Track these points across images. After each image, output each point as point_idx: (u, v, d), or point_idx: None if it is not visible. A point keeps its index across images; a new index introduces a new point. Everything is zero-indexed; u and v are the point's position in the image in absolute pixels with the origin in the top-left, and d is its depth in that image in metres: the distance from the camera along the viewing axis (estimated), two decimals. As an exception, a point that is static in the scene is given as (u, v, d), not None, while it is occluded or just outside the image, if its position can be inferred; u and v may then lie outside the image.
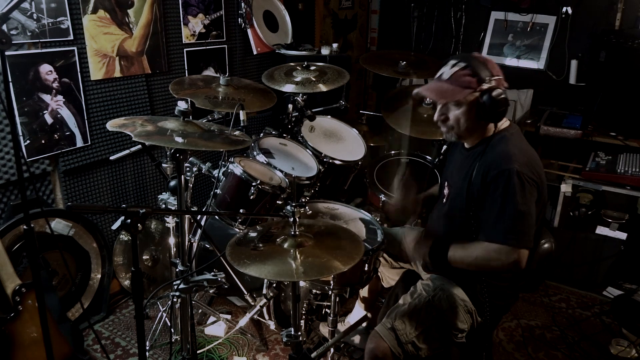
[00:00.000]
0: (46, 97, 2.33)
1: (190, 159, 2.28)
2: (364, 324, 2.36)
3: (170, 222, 2.38)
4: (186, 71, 2.99)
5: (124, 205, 1.34)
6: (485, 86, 1.65)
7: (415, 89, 1.81)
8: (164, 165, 2.35)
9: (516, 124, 3.46)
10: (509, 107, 1.74)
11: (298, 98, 2.76)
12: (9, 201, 2.30)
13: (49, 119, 2.36)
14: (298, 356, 1.72)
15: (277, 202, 2.34)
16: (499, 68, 1.72)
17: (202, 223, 2.34)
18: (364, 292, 2.40)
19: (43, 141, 2.35)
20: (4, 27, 1.30)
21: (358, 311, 2.44)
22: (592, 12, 3.50)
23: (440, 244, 1.79)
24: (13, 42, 1.85)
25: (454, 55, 1.76)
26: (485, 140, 1.76)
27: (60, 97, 2.38)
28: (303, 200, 2.44)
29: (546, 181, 1.74)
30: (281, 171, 2.43)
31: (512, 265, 1.65)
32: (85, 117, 2.51)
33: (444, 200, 1.93)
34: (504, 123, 1.79)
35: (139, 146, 2.36)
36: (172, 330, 2.29)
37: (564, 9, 3.58)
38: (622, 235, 2.88)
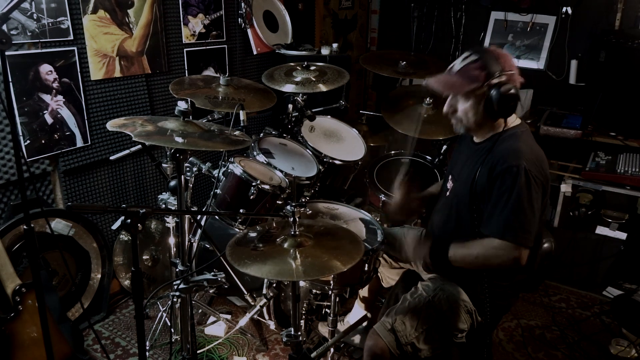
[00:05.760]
0: (46, 97, 2.33)
1: (190, 159, 2.29)
2: (364, 324, 2.36)
3: (170, 222, 2.38)
4: (186, 71, 2.99)
5: (124, 205, 1.34)
6: (494, 81, 1.64)
7: (426, 80, 1.77)
8: (164, 165, 2.35)
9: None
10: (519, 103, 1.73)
11: (298, 98, 2.76)
12: (9, 201, 2.30)
13: (49, 119, 2.36)
14: (298, 356, 1.72)
15: (277, 202, 2.34)
16: (515, 66, 1.70)
17: (202, 223, 2.34)
18: (363, 291, 2.40)
19: (43, 141, 2.35)
20: (4, 27, 1.30)
21: (357, 311, 2.44)
22: (592, 12, 3.50)
23: (440, 244, 1.78)
24: (13, 42, 1.85)
25: (470, 48, 1.74)
26: (495, 136, 1.75)
27: (60, 97, 2.38)
28: (303, 200, 2.44)
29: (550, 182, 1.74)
30: (281, 171, 2.43)
31: (512, 262, 1.65)
32: (85, 117, 2.51)
33: (447, 193, 1.92)
34: (515, 120, 1.78)
35: (139, 146, 2.36)
36: (172, 330, 2.30)
37: (564, 9, 3.58)
38: (622, 235, 2.88)
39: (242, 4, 3.21)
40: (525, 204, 1.62)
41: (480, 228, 1.72)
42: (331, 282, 2.02)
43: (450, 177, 1.94)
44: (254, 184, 2.20)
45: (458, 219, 1.83)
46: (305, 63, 2.82)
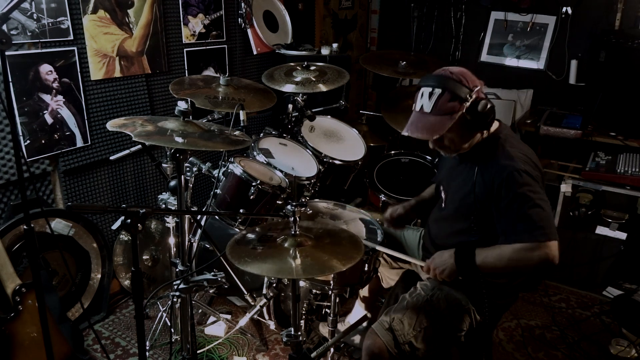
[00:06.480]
0: (46, 97, 2.33)
1: (190, 159, 2.29)
2: (364, 324, 2.36)
3: (170, 222, 2.38)
4: (186, 71, 2.99)
5: (124, 205, 1.34)
6: (467, 104, 1.65)
7: (404, 131, 1.74)
8: (164, 165, 2.35)
9: (516, 124, 3.48)
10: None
11: (298, 98, 2.76)
12: (9, 201, 2.30)
13: (49, 119, 2.36)
14: (298, 356, 1.72)
15: (277, 202, 2.34)
16: (474, 76, 1.71)
17: (202, 223, 2.34)
18: (364, 291, 2.40)
19: (43, 141, 2.35)
20: (4, 27, 1.30)
21: (358, 311, 2.44)
22: (592, 12, 3.50)
23: (464, 252, 1.76)
24: (13, 42, 1.85)
25: (424, 80, 1.72)
26: (479, 144, 1.76)
27: (60, 97, 2.38)
28: (303, 200, 2.44)
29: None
30: (281, 171, 2.43)
31: (544, 260, 1.65)
32: (85, 117, 2.51)
33: (442, 204, 1.92)
34: (494, 125, 1.79)
35: (139, 146, 2.36)
36: (172, 330, 2.29)
37: (564, 9, 3.59)
38: (622, 235, 2.88)
39: (242, 4, 3.21)
40: (538, 201, 1.64)
41: (479, 237, 1.73)
42: (331, 282, 2.02)
43: (441, 187, 1.95)
44: (254, 184, 2.20)
45: (455, 229, 1.83)
46: (305, 63, 2.82)
